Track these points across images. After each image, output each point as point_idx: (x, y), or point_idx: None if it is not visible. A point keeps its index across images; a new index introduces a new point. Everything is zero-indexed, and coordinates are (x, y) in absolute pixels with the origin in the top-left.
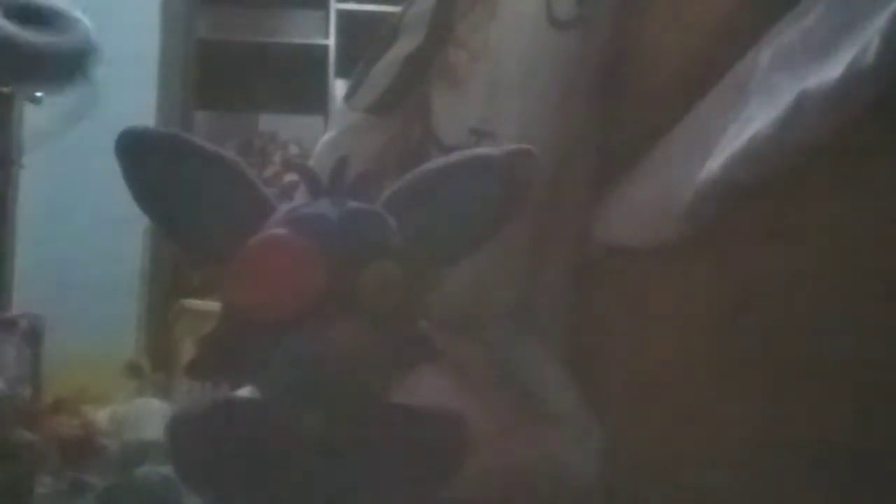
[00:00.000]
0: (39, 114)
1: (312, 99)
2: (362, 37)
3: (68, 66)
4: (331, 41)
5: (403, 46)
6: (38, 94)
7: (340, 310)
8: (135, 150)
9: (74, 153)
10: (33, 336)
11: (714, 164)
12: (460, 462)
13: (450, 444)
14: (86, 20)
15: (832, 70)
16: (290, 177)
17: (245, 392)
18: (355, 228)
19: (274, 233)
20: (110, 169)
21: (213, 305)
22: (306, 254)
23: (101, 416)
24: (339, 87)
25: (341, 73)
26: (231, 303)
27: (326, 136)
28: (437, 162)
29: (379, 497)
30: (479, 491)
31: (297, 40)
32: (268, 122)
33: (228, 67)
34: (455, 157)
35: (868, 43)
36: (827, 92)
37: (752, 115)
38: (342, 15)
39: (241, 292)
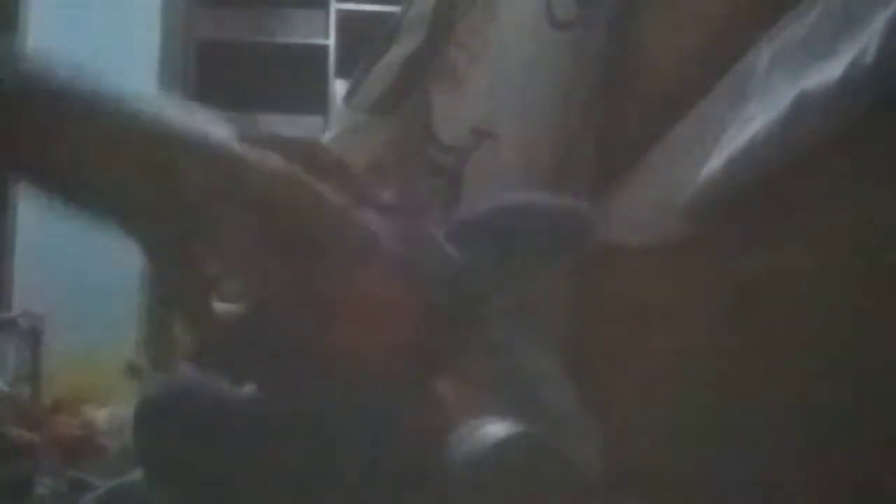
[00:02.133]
0: None
1: (312, 99)
2: (362, 37)
3: None
4: (331, 41)
5: (403, 46)
6: None
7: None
8: None
9: None
10: (33, 336)
11: (714, 163)
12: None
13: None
14: None
15: (832, 70)
16: None
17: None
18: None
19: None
20: None
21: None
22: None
23: (101, 416)
24: (339, 87)
25: (341, 73)
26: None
27: (326, 136)
28: (513, 199)
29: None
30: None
31: (297, 40)
32: (268, 122)
33: (228, 67)
34: (534, 199)
35: (868, 43)
36: (827, 92)
37: (752, 115)
38: (342, 15)
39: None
